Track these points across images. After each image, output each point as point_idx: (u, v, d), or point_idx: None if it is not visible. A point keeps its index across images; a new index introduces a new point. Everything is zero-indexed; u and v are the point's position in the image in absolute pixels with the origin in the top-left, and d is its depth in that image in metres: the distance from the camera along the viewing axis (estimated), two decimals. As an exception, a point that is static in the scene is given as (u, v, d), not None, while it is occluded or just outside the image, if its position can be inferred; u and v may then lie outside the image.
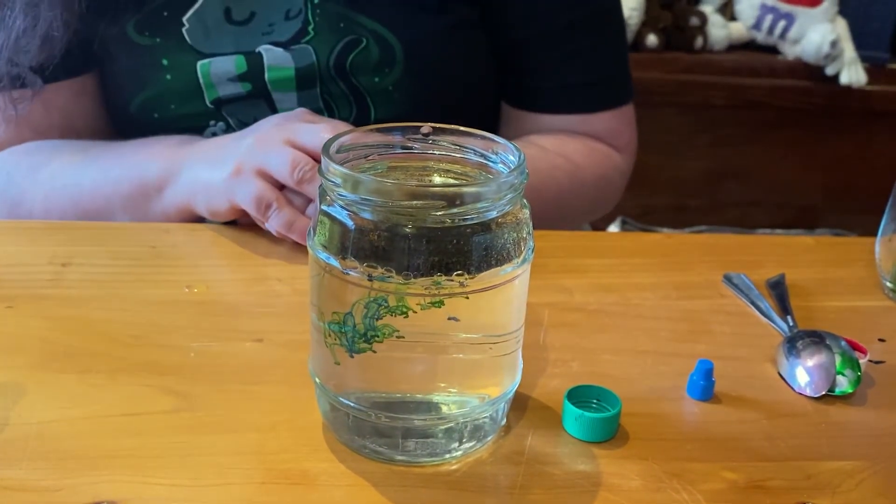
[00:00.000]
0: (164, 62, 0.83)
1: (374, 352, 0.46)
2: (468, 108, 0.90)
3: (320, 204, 0.47)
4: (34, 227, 0.76)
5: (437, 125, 0.51)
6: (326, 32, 0.82)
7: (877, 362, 0.62)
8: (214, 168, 0.74)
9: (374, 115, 0.84)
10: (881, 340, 0.65)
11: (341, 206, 0.45)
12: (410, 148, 0.51)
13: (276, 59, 0.82)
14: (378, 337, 0.45)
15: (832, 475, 0.50)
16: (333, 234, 0.46)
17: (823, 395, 0.57)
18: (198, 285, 0.67)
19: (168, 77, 0.83)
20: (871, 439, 0.54)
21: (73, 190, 0.80)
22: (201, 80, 0.83)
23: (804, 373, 0.58)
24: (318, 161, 0.70)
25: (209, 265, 0.71)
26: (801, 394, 0.57)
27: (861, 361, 0.59)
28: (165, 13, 0.82)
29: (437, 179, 0.51)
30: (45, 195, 0.81)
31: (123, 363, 0.57)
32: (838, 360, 0.58)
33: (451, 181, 0.50)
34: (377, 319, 0.45)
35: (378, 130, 0.51)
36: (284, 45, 0.82)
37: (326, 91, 0.83)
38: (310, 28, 0.82)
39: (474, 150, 0.51)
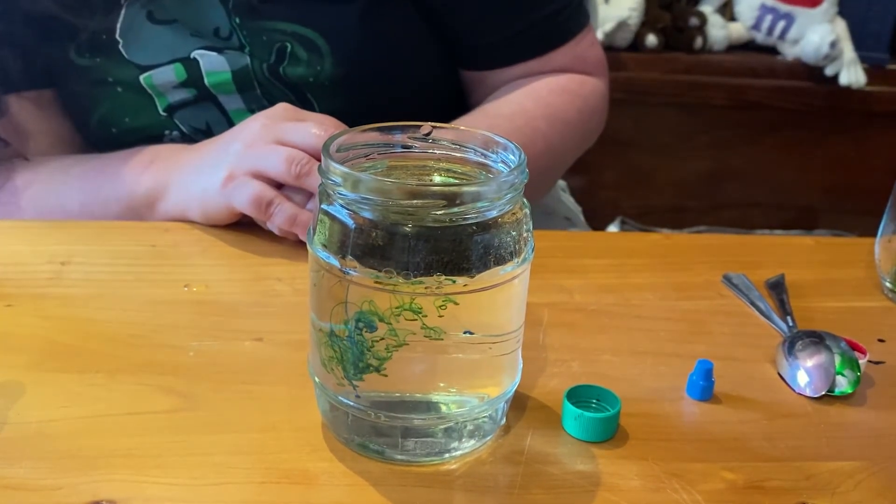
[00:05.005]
0: (110, 79, 0.83)
1: (380, 372, 0.46)
2: (419, 85, 0.89)
3: (320, 203, 0.47)
4: (33, 226, 0.76)
5: (438, 125, 0.51)
6: (257, 48, 0.82)
7: (876, 363, 0.62)
8: (204, 176, 0.73)
9: (319, 110, 0.82)
10: (881, 341, 0.65)
11: (341, 205, 0.45)
12: (410, 147, 0.51)
13: (211, 64, 0.82)
14: (370, 369, 0.46)
15: (832, 476, 0.50)
16: (333, 234, 0.46)
17: (823, 396, 0.57)
18: (197, 284, 0.67)
19: (119, 90, 0.84)
20: (871, 440, 0.54)
21: (58, 214, 0.80)
22: (150, 91, 0.83)
23: (804, 373, 0.58)
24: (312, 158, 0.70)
25: (209, 264, 0.71)
26: (800, 394, 0.57)
27: (861, 362, 0.59)
28: (104, 36, 0.82)
29: (437, 178, 0.51)
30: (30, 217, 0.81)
31: (123, 362, 0.57)
32: (838, 360, 0.58)
33: (451, 180, 0.50)
34: (369, 348, 0.45)
35: (378, 129, 0.51)
36: (219, 50, 0.82)
37: (267, 93, 0.83)
38: (245, 51, 0.82)
39: (474, 150, 0.51)
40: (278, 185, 0.71)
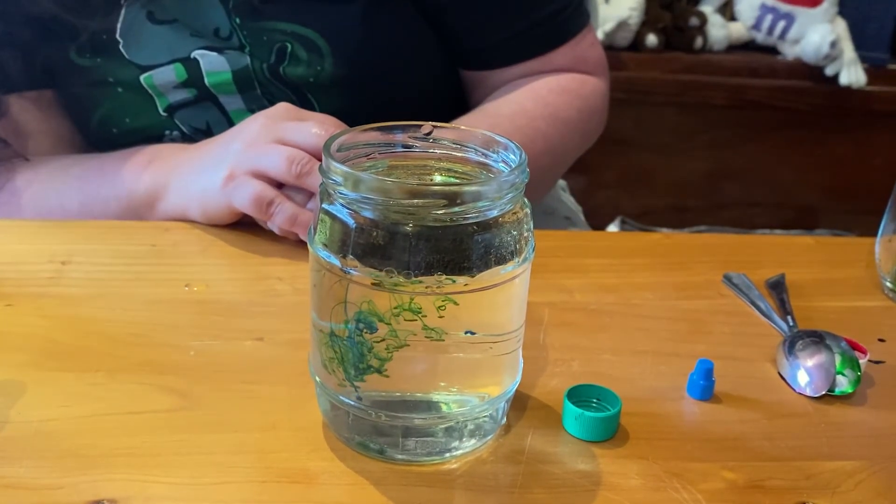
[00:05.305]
0: (110, 80, 0.83)
1: (381, 373, 0.46)
2: (419, 85, 0.89)
3: (321, 202, 0.47)
4: (33, 226, 0.76)
5: (438, 124, 0.51)
6: (257, 48, 0.82)
7: (877, 362, 0.62)
8: (204, 176, 0.73)
9: (319, 110, 0.82)
10: (881, 340, 0.65)
11: (342, 205, 0.45)
12: (411, 146, 0.51)
13: (211, 64, 0.82)
14: (371, 370, 0.46)
15: (832, 475, 0.50)
16: (334, 233, 0.46)
17: (823, 395, 0.57)
18: (198, 284, 0.67)
19: (119, 90, 0.84)
20: (871, 439, 0.54)
21: (58, 214, 0.80)
22: (150, 91, 0.83)
23: (804, 373, 0.58)
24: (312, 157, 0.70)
25: (209, 264, 0.71)
26: (801, 394, 0.57)
27: (861, 361, 0.59)
28: (104, 36, 0.82)
29: (437, 178, 0.51)
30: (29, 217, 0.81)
31: (123, 362, 0.57)
32: (838, 360, 0.58)
33: (452, 180, 0.50)
34: (370, 349, 0.46)
35: (379, 129, 0.51)
36: (219, 50, 0.82)
37: (267, 92, 0.83)
38: (245, 51, 0.82)
39: (475, 149, 0.51)
40: (279, 185, 0.71)
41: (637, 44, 2.06)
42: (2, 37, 0.81)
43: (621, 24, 2.01)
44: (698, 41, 2.08)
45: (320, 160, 0.48)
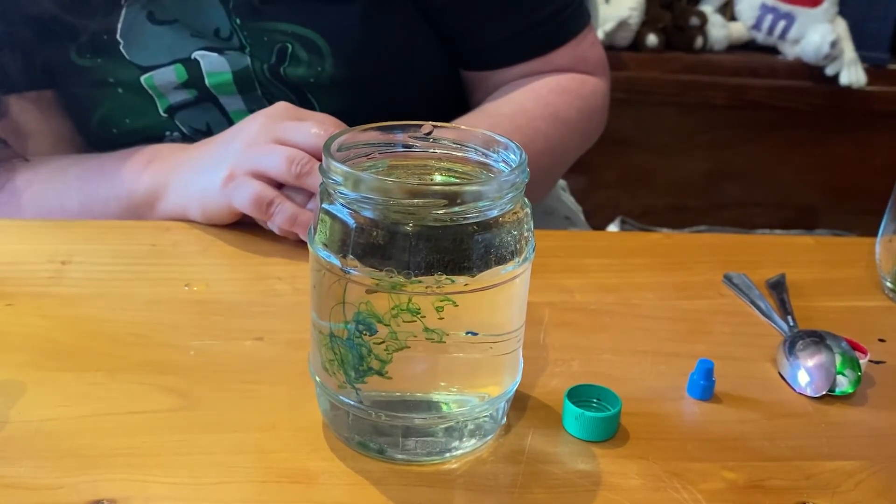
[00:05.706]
0: (111, 80, 0.83)
1: (382, 375, 0.46)
2: (420, 85, 0.89)
3: (321, 202, 0.47)
4: (34, 225, 0.76)
5: (438, 124, 0.51)
6: (257, 48, 0.82)
7: (877, 362, 0.62)
8: (204, 176, 0.73)
9: (319, 110, 0.81)
10: (881, 340, 0.65)
11: (342, 205, 0.45)
12: (411, 146, 0.51)
13: (212, 64, 0.82)
14: (372, 372, 0.46)
15: (832, 475, 0.50)
16: (334, 233, 0.46)
17: (823, 395, 0.57)
18: (198, 284, 0.67)
19: (120, 91, 0.84)
20: (871, 439, 0.54)
21: (58, 214, 0.80)
22: (151, 92, 0.83)
23: (804, 373, 0.58)
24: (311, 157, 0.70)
25: (209, 263, 0.71)
26: (801, 394, 0.57)
27: (861, 361, 0.59)
28: (105, 36, 0.82)
29: (437, 178, 0.51)
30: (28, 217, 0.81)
31: (123, 362, 0.57)
32: (838, 360, 0.58)
33: (452, 180, 0.50)
34: (370, 351, 0.46)
35: (379, 129, 0.51)
36: (219, 51, 0.82)
37: (267, 93, 0.83)
38: (246, 52, 0.82)
39: (475, 149, 0.51)
40: (278, 185, 0.71)
41: (637, 44, 2.06)
42: (2, 37, 0.81)
43: (621, 24, 2.01)
44: (698, 41, 2.08)
45: (320, 160, 0.47)
